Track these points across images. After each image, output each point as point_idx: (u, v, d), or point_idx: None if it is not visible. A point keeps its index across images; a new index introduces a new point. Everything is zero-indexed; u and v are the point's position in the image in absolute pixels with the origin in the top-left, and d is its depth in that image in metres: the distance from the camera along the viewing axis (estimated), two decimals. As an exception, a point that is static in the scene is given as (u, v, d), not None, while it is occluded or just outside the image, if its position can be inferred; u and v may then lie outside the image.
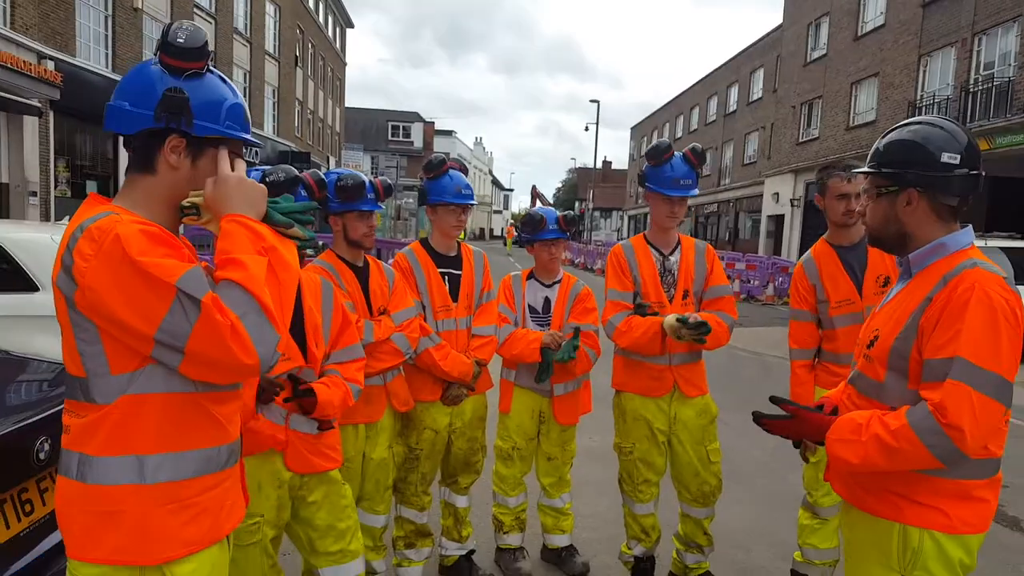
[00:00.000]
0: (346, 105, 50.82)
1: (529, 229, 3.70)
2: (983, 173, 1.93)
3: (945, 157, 1.89)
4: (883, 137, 2.04)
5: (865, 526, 2.00)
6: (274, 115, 32.98)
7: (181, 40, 1.57)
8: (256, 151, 29.21)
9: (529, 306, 3.77)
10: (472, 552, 3.75)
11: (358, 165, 47.19)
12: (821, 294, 3.27)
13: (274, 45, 32.26)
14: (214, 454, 1.64)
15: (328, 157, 43.26)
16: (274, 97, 32.96)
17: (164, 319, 1.43)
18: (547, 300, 3.77)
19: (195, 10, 23.97)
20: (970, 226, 1.99)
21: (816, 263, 3.31)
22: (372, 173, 48.67)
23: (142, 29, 20.83)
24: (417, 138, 63.28)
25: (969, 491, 1.87)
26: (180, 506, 1.58)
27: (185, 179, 1.61)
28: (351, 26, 47.92)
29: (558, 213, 3.75)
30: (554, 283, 3.79)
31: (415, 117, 64.89)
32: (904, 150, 1.95)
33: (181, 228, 1.77)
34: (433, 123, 65.65)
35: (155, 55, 1.60)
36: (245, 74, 29.10)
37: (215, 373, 1.53)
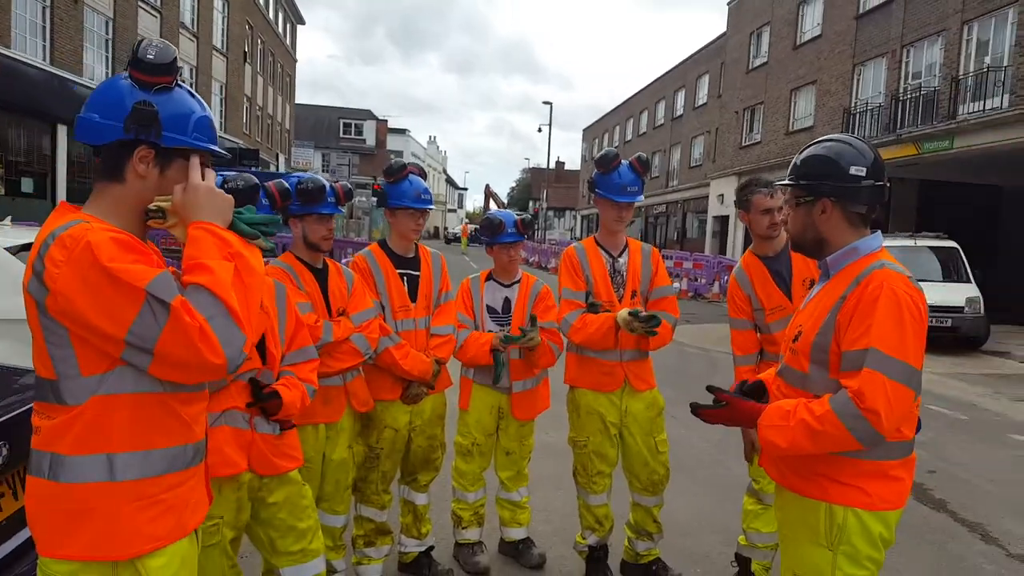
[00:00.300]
0: (296, 102, 50.12)
1: (488, 233, 3.85)
2: (887, 184, 2.17)
3: (853, 170, 2.13)
4: (800, 153, 2.27)
5: (795, 506, 2.20)
6: (222, 112, 32.36)
7: (151, 56, 1.64)
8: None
9: (488, 307, 3.91)
10: (431, 548, 3.84)
11: (308, 163, 46.55)
12: (756, 303, 3.46)
13: (222, 40, 31.67)
14: (180, 452, 1.70)
15: (278, 154, 42.61)
16: (222, 93, 32.34)
17: (134, 322, 1.50)
18: (507, 300, 3.91)
19: (140, 3, 23.40)
20: (879, 231, 2.22)
21: (748, 275, 3.51)
22: (323, 171, 48.07)
23: (83, 22, 20.25)
24: (370, 136, 62.67)
25: (886, 471, 2.08)
26: (149, 502, 1.64)
27: (153, 188, 1.68)
28: (302, 22, 47.30)
29: (516, 216, 3.90)
30: (513, 283, 3.95)
31: (368, 115, 64.21)
32: (818, 164, 2.19)
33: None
34: (386, 121, 65.01)
35: (125, 70, 1.68)
36: (192, 69, 28.49)
37: (184, 373, 1.59)
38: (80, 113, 1.65)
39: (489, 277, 3.98)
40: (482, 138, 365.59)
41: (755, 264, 3.50)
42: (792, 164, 2.27)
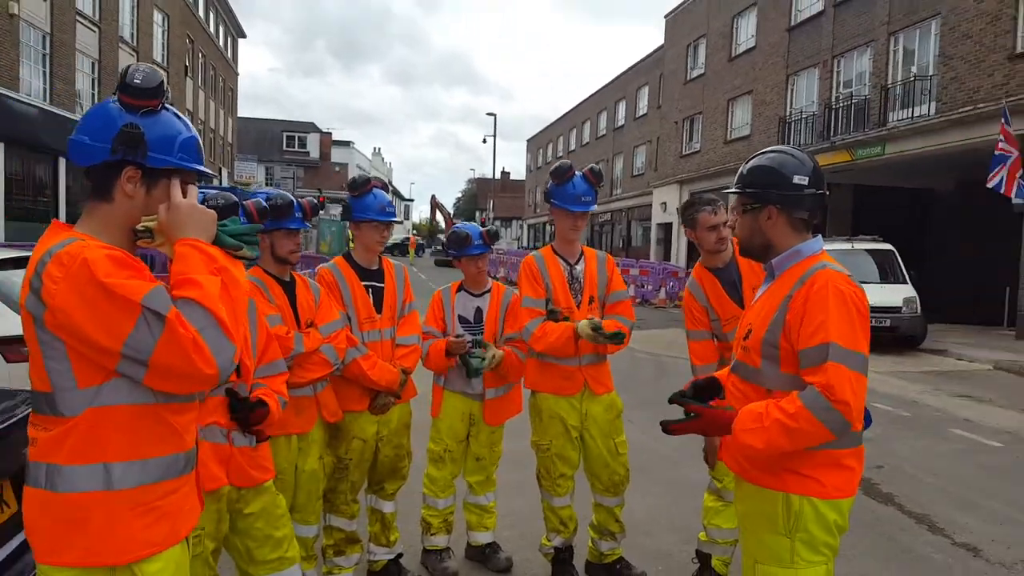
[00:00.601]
0: (239, 115, 49.34)
1: (456, 246, 3.94)
2: (826, 192, 2.33)
3: (796, 179, 2.28)
4: (746, 163, 2.42)
5: (755, 497, 2.31)
6: (161, 127, 31.61)
7: (138, 81, 1.71)
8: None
9: (460, 316, 3.99)
10: (400, 556, 3.88)
11: (252, 176, 45.85)
12: (712, 314, 3.58)
13: (162, 55, 30.99)
14: (173, 461, 1.76)
15: (220, 168, 41.83)
16: (161, 108, 31.61)
17: (130, 335, 1.56)
18: (479, 310, 4.01)
19: (78, 17, 22.78)
20: (820, 235, 2.37)
21: (702, 287, 3.62)
22: (267, 184, 47.31)
23: (19, 36, 19.62)
24: (313, 148, 62.00)
25: (839, 460, 2.20)
26: (144, 510, 1.69)
27: (140, 207, 1.74)
28: (243, 36, 46.61)
29: (480, 229, 4.00)
30: (484, 293, 4.04)
31: (311, 127, 63.53)
32: (764, 174, 2.34)
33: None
34: (330, 133, 64.41)
35: (114, 95, 1.74)
36: (128, 85, 27.83)
37: (178, 383, 1.65)
38: (72, 135, 1.72)
39: (460, 288, 4.07)
40: (426, 149, 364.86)
41: (707, 276, 3.62)
42: (739, 173, 2.41)
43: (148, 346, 1.56)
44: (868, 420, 2.51)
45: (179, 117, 1.80)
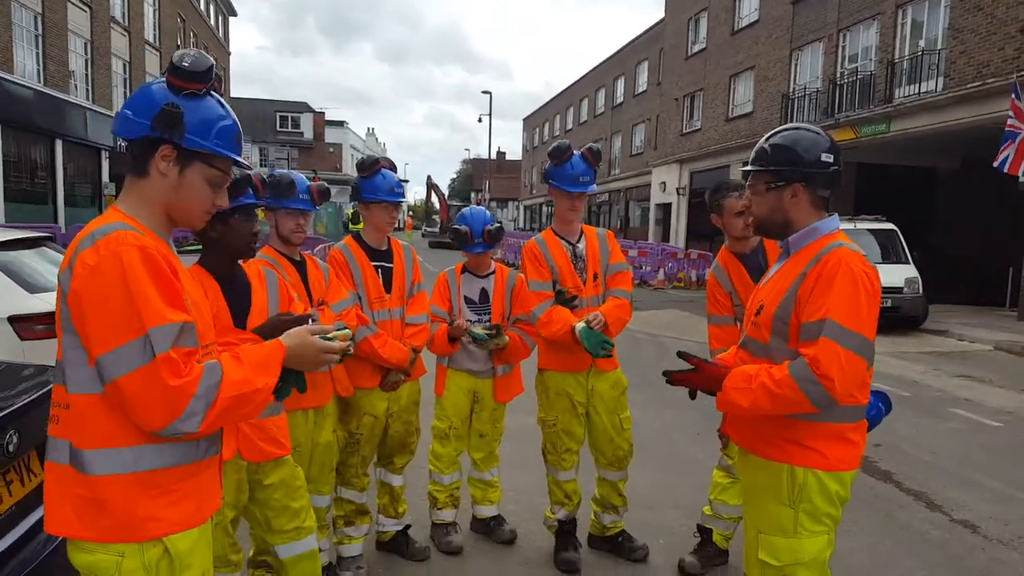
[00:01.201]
0: (231, 95, 49.02)
1: (457, 242, 3.96)
2: (842, 169, 2.35)
3: (824, 157, 2.30)
4: (766, 141, 2.39)
5: (759, 469, 2.36)
6: (156, 107, 31.46)
7: (186, 64, 1.74)
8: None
9: (466, 297, 4.04)
10: (408, 527, 3.97)
11: (246, 157, 45.48)
12: (736, 299, 3.57)
13: (154, 35, 30.79)
14: (192, 446, 1.77)
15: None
16: (156, 88, 31.46)
17: (115, 349, 1.58)
18: (484, 291, 4.05)
19: (69, -3, 22.64)
20: (836, 214, 2.40)
21: (727, 272, 3.63)
22: (261, 165, 47.15)
23: (11, 17, 19.51)
24: (307, 129, 61.64)
25: (842, 433, 2.25)
26: (162, 491, 1.71)
27: (172, 186, 1.76)
28: (234, 14, 46.21)
29: (484, 226, 3.93)
30: (488, 274, 4.08)
31: (304, 107, 63.12)
32: (790, 151, 2.32)
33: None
34: (323, 113, 64.00)
35: (164, 75, 1.78)
36: (124, 64, 27.67)
37: (127, 413, 1.64)
38: (121, 108, 1.78)
39: (464, 269, 4.10)
40: (421, 129, 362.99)
41: (732, 261, 3.62)
42: (759, 151, 2.39)
43: (122, 369, 1.58)
44: (888, 405, 2.56)
45: (223, 105, 1.83)
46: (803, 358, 2.14)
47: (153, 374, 1.59)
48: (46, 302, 4.82)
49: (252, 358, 1.75)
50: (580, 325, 3.52)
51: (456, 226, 3.96)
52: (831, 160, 2.30)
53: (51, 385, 2.80)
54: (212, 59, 1.81)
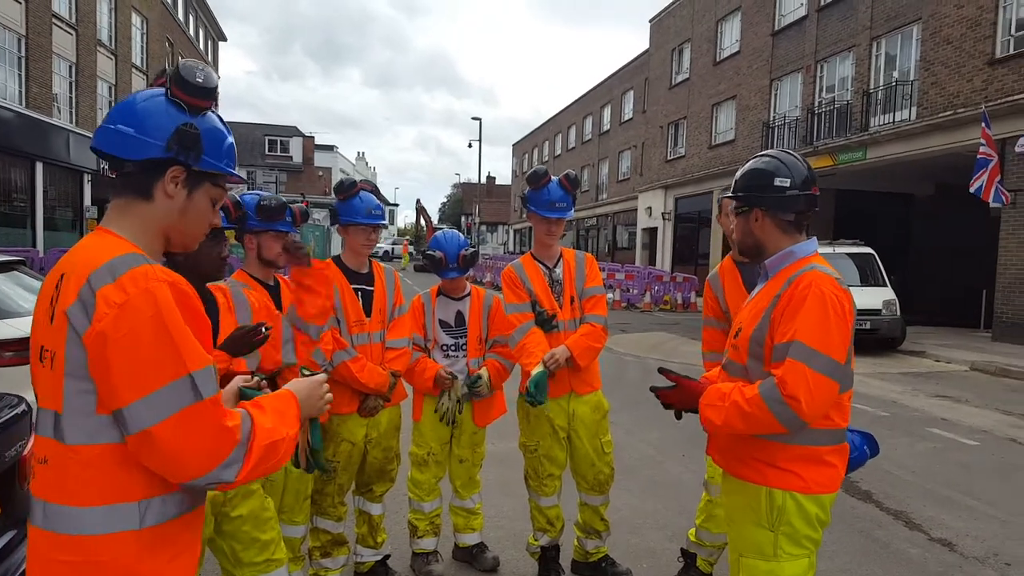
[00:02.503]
0: (219, 120, 48.90)
1: (432, 267, 3.94)
2: (814, 193, 2.40)
3: (777, 182, 2.36)
4: (741, 168, 2.50)
5: (739, 491, 2.37)
6: (142, 131, 31.40)
7: (200, 80, 1.61)
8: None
9: (441, 321, 4.02)
10: (387, 557, 3.91)
11: (232, 181, 45.47)
12: (723, 305, 3.62)
13: (142, 58, 30.83)
14: (196, 491, 1.61)
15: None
16: (142, 113, 31.41)
17: (154, 392, 1.43)
18: (459, 314, 4.03)
19: (55, 20, 22.64)
20: (815, 237, 2.45)
21: (720, 278, 3.66)
22: (249, 189, 46.87)
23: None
24: (296, 153, 61.62)
25: (820, 456, 2.26)
26: (165, 544, 1.57)
27: (179, 209, 1.63)
28: (223, 39, 46.43)
29: (459, 249, 3.94)
30: (464, 296, 4.07)
31: (294, 131, 63.16)
32: (750, 178, 2.42)
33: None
34: (313, 137, 63.94)
35: (166, 88, 1.63)
36: (110, 88, 27.66)
37: (163, 463, 1.48)
38: (109, 124, 1.59)
39: (440, 292, 4.08)
40: (409, 154, 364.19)
41: (730, 269, 3.64)
42: (734, 179, 2.50)
43: (161, 415, 1.43)
44: (874, 449, 2.59)
45: (222, 120, 1.72)
46: (772, 378, 2.16)
47: (203, 415, 1.46)
48: (16, 328, 4.68)
49: (272, 406, 1.67)
50: (537, 370, 3.54)
51: (430, 251, 3.94)
52: (786, 184, 2.35)
53: (12, 412, 2.77)
54: (216, 74, 1.72)
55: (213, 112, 1.68)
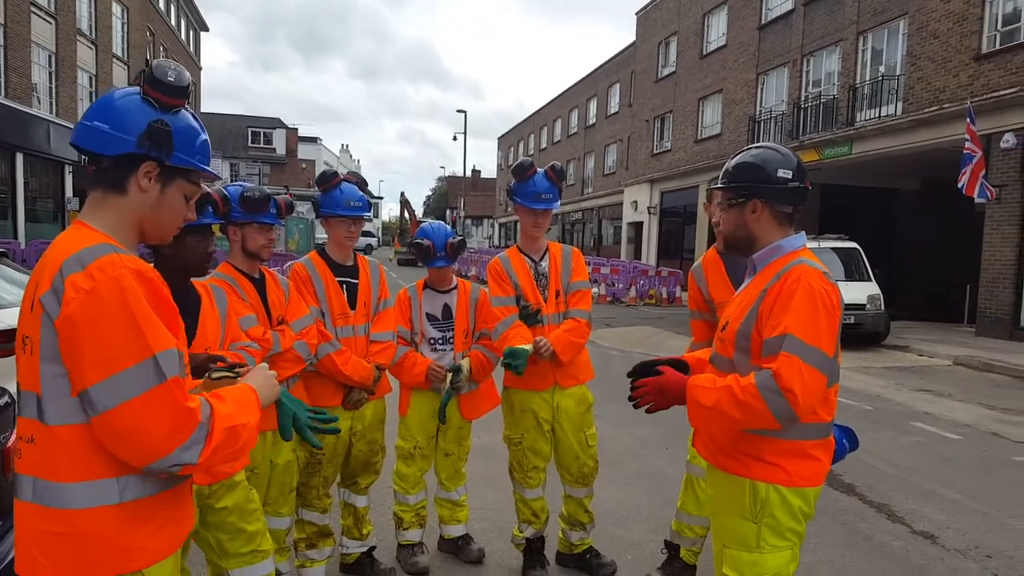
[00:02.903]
0: (201, 111, 48.63)
1: (419, 257, 3.90)
2: (808, 186, 2.39)
3: (781, 173, 2.34)
4: (731, 159, 2.47)
5: (723, 483, 2.38)
6: (124, 122, 31.09)
7: (171, 79, 1.68)
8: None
9: (428, 314, 4.00)
10: (373, 548, 3.90)
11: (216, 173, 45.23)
12: (707, 295, 3.63)
13: (123, 48, 30.50)
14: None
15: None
16: (124, 103, 31.10)
17: (118, 374, 1.51)
18: (446, 307, 4.01)
19: (33, 9, 22.32)
20: (803, 232, 2.44)
21: (703, 270, 3.67)
22: (232, 181, 46.61)
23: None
24: (280, 145, 61.20)
25: (805, 450, 2.26)
26: (145, 520, 1.64)
27: (152, 203, 1.71)
28: (205, 29, 46.00)
29: (447, 238, 3.91)
30: (450, 290, 4.04)
31: (277, 123, 62.70)
32: (749, 169, 2.39)
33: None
34: (296, 129, 63.54)
35: (139, 86, 1.71)
36: (91, 78, 27.34)
37: (122, 444, 1.54)
38: (86, 121, 1.68)
39: (426, 286, 4.06)
40: (393, 146, 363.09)
41: (714, 260, 3.65)
42: (724, 169, 2.47)
43: (123, 396, 1.51)
44: (854, 443, 2.59)
45: (195, 117, 1.80)
46: (767, 370, 2.15)
47: (165, 396, 1.53)
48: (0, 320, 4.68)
49: (231, 396, 1.74)
50: (524, 347, 3.54)
51: (418, 240, 3.91)
52: (789, 176, 2.34)
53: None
54: (189, 73, 1.78)
55: (187, 110, 1.76)
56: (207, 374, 1.93)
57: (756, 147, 2.46)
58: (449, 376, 3.81)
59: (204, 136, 1.80)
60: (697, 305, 3.70)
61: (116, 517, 1.60)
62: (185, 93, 1.73)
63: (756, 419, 2.18)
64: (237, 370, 1.99)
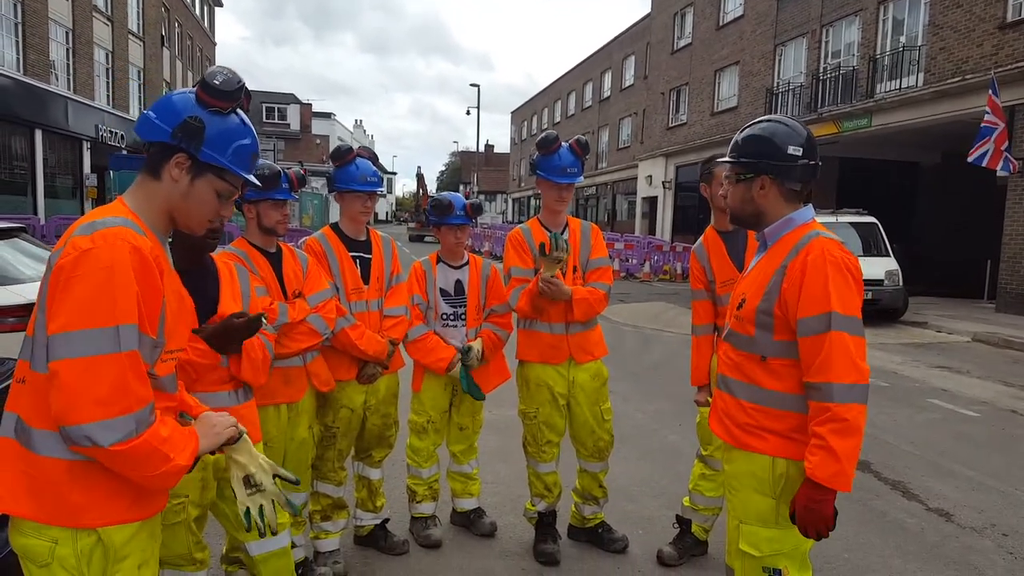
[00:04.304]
0: (216, 87, 48.50)
1: (437, 213, 3.93)
2: (819, 163, 2.34)
3: (791, 150, 2.28)
4: (740, 132, 2.41)
5: (741, 460, 2.36)
6: (140, 98, 31.19)
7: (217, 82, 1.83)
8: (121, 135, 27.60)
9: (441, 289, 3.99)
10: (386, 521, 3.95)
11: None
12: (710, 275, 3.64)
13: (138, 24, 30.49)
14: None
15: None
16: (140, 79, 31.17)
17: (77, 331, 1.58)
18: (459, 282, 4.01)
19: (48, -16, 22.33)
20: (811, 204, 2.39)
21: (705, 248, 3.68)
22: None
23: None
24: (294, 120, 61.25)
25: None
26: (96, 482, 1.69)
27: (181, 193, 1.82)
28: (219, 4, 45.84)
29: (465, 200, 3.98)
30: (462, 265, 4.04)
31: (291, 99, 62.69)
32: (758, 144, 2.33)
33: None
34: (310, 105, 63.54)
35: (195, 86, 1.85)
36: (107, 54, 27.39)
37: (60, 401, 1.59)
38: (145, 111, 1.86)
39: (439, 260, 4.05)
40: (405, 121, 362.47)
41: (713, 239, 3.67)
42: (732, 142, 2.41)
43: (76, 351, 1.58)
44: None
45: (245, 123, 1.91)
46: (830, 384, 2.11)
47: (113, 365, 1.59)
48: (18, 294, 4.71)
49: (178, 432, 1.77)
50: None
51: (436, 199, 3.96)
52: (799, 153, 2.28)
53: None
54: (241, 79, 1.87)
55: (238, 115, 1.90)
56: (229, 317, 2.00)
57: (765, 120, 2.40)
58: (459, 358, 3.82)
59: (246, 141, 1.90)
60: (701, 284, 3.70)
61: (67, 472, 1.67)
62: (231, 96, 1.85)
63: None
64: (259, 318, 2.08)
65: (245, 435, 2.03)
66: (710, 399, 3.53)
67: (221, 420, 1.98)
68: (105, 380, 1.60)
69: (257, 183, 2.01)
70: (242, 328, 2.51)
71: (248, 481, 2.03)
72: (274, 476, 2.08)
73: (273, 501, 2.07)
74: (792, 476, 2.24)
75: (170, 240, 2.04)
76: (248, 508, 2.03)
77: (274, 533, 2.48)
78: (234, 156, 1.86)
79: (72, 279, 1.60)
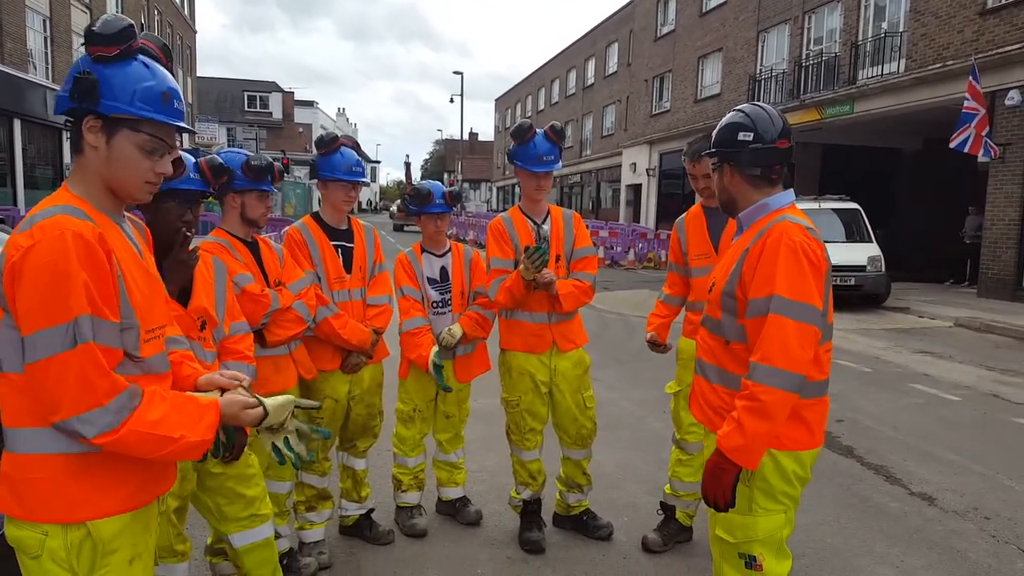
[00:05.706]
0: (198, 75, 48.05)
1: (417, 202, 3.91)
2: (781, 146, 2.33)
3: (740, 135, 2.34)
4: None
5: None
6: (119, 86, 30.73)
7: (96, 28, 1.66)
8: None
9: (428, 278, 3.99)
10: (371, 511, 3.94)
11: (213, 138, 44.95)
12: (685, 247, 3.72)
13: (117, 11, 30.04)
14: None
15: (180, 130, 40.84)
16: (117, 67, 30.72)
17: (39, 332, 1.54)
18: (443, 269, 4.01)
19: (23, -29, 21.92)
20: (791, 189, 2.42)
21: (686, 222, 3.76)
22: (229, 146, 46.35)
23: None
24: (276, 109, 60.77)
25: (796, 411, 2.22)
26: (90, 475, 1.67)
27: (104, 158, 1.68)
28: (198, -9, 45.25)
29: (444, 188, 3.97)
30: (445, 253, 4.04)
31: (273, 87, 62.20)
32: (719, 133, 2.43)
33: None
34: (292, 93, 63.09)
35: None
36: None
37: (34, 400, 1.59)
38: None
39: (423, 250, 4.04)
40: (387, 109, 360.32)
41: (697, 214, 3.74)
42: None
43: (41, 354, 1.54)
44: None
45: (148, 66, 1.72)
46: (752, 361, 2.13)
47: (72, 361, 1.55)
48: None
49: (182, 405, 1.70)
50: (434, 351, 3.73)
51: (416, 187, 3.94)
52: (748, 138, 2.33)
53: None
54: (128, 20, 1.71)
55: (140, 59, 1.71)
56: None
57: (734, 110, 2.46)
58: (436, 350, 3.80)
59: (151, 83, 1.71)
60: (676, 257, 3.83)
61: (60, 466, 1.64)
62: (114, 39, 1.66)
63: (782, 405, 2.13)
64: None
65: (267, 407, 1.89)
66: (658, 343, 3.85)
67: (247, 412, 1.84)
68: (69, 377, 1.56)
69: (186, 126, 1.81)
70: (185, 261, 2.50)
71: (271, 428, 1.95)
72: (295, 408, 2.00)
73: (297, 431, 2.00)
74: (765, 464, 2.24)
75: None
76: (274, 443, 1.96)
77: (306, 462, 2.41)
78: (141, 101, 1.68)
79: (20, 280, 1.55)
